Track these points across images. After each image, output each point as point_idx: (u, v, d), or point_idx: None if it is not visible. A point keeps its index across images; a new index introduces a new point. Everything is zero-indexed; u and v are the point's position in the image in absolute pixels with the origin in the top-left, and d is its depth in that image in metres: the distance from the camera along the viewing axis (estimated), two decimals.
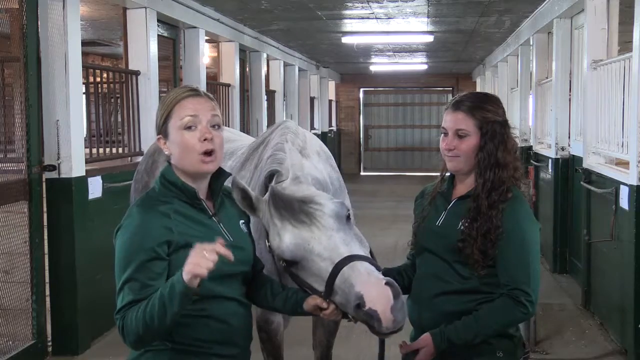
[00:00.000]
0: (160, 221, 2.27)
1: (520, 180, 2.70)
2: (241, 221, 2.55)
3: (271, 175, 2.87)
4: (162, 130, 2.37)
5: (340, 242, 2.53)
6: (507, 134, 2.66)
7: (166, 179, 2.38)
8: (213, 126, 2.34)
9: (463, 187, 2.72)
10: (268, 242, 2.68)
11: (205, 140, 2.30)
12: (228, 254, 2.10)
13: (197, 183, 2.38)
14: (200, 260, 2.05)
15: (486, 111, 2.64)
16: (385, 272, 2.74)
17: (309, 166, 3.04)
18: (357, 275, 2.40)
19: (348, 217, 2.64)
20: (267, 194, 2.73)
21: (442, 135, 2.70)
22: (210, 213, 2.41)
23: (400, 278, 2.82)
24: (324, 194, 2.74)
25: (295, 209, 2.59)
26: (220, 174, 2.45)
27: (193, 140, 2.31)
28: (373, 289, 2.36)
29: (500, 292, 2.57)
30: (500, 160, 2.61)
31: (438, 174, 2.84)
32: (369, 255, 2.60)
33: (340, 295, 2.43)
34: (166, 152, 2.40)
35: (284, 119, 12.95)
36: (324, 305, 2.47)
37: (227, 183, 2.56)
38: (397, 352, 2.66)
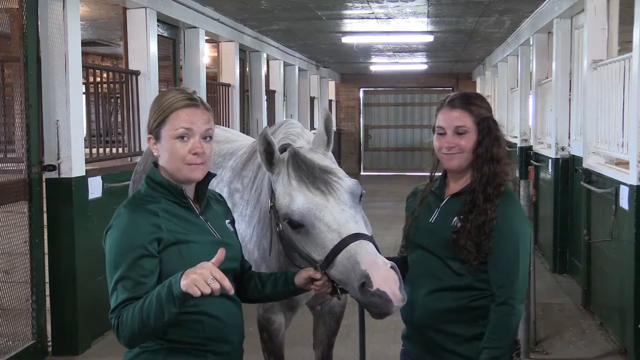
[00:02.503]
0: (149, 219, 2.29)
1: (509, 175, 2.73)
2: (227, 220, 2.57)
3: (284, 149, 2.88)
4: (154, 132, 2.39)
5: (350, 218, 2.57)
6: (498, 130, 2.71)
7: (152, 180, 2.40)
8: (205, 137, 2.37)
9: (456, 186, 2.74)
10: (271, 202, 2.71)
11: (195, 154, 2.33)
12: (230, 287, 2.07)
13: (183, 184, 2.40)
14: (201, 284, 2.02)
15: (480, 108, 2.69)
16: None
17: (320, 137, 3.03)
18: (364, 254, 2.44)
19: (360, 198, 2.70)
20: (286, 153, 2.77)
21: (437, 134, 2.71)
22: (198, 212, 2.43)
23: None
24: (341, 170, 2.78)
25: (316, 175, 2.64)
26: (205, 176, 2.47)
27: (183, 151, 2.33)
28: (380, 271, 2.38)
29: (490, 293, 2.59)
30: (495, 155, 2.66)
31: (437, 174, 2.85)
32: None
33: (339, 269, 2.47)
34: (155, 153, 2.42)
35: (284, 118, 12.96)
36: (317, 275, 2.52)
37: (215, 185, 2.58)
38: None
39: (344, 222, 2.53)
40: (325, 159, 2.81)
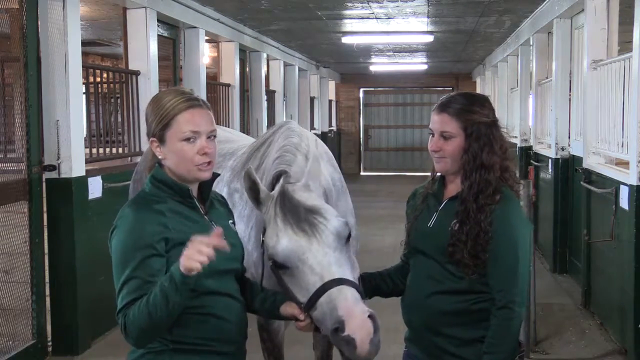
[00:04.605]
0: (155, 219, 2.28)
1: (512, 179, 2.67)
2: (229, 221, 2.58)
3: (279, 176, 2.87)
4: (158, 136, 2.39)
5: (334, 261, 2.52)
6: (493, 135, 2.63)
7: (157, 179, 2.40)
8: (209, 137, 2.38)
9: (454, 188, 2.71)
10: (263, 237, 2.69)
11: (204, 154, 2.34)
12: (224, 244, 2.11)
13: (189, 184, 2.41)
14: (194, 254, 2.06)
15: (472, 113, 2.62)
16: (369, 277, 2.81)
17: (315, 171, 3.00)
18: (343, 300, 2.41)
19: (348, 238, 2.64)
20: (276, 191, 2.74)
21: (430, 136, 2.70)
22: (203, 212, 2.44)
23: (384, 283, 2.85)
24: (331, 209, 2.72)
25: (301, 217, 2.59)
26: None
27: (192, 152, 2.34)
28: (356, 319, 2.36)
29: (490, 296, 2.58)
30: (486, 162, 2.59)
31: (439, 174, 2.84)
32: (357, 280, 2.60)
33: (319, 312, 2.45)
34: (160, 157, 2.41)
35: (284, 119, 12.97)
36: (301, 316, 2.50)
37: (216, 185, 2.58)
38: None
39: (327, 266, 2.49)
40: (318, 198, 2.75)
